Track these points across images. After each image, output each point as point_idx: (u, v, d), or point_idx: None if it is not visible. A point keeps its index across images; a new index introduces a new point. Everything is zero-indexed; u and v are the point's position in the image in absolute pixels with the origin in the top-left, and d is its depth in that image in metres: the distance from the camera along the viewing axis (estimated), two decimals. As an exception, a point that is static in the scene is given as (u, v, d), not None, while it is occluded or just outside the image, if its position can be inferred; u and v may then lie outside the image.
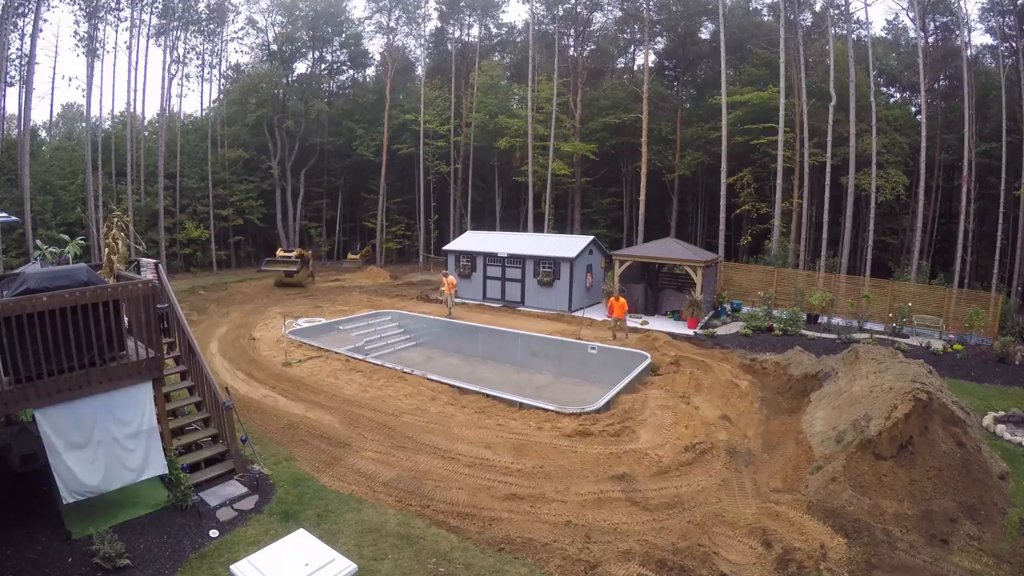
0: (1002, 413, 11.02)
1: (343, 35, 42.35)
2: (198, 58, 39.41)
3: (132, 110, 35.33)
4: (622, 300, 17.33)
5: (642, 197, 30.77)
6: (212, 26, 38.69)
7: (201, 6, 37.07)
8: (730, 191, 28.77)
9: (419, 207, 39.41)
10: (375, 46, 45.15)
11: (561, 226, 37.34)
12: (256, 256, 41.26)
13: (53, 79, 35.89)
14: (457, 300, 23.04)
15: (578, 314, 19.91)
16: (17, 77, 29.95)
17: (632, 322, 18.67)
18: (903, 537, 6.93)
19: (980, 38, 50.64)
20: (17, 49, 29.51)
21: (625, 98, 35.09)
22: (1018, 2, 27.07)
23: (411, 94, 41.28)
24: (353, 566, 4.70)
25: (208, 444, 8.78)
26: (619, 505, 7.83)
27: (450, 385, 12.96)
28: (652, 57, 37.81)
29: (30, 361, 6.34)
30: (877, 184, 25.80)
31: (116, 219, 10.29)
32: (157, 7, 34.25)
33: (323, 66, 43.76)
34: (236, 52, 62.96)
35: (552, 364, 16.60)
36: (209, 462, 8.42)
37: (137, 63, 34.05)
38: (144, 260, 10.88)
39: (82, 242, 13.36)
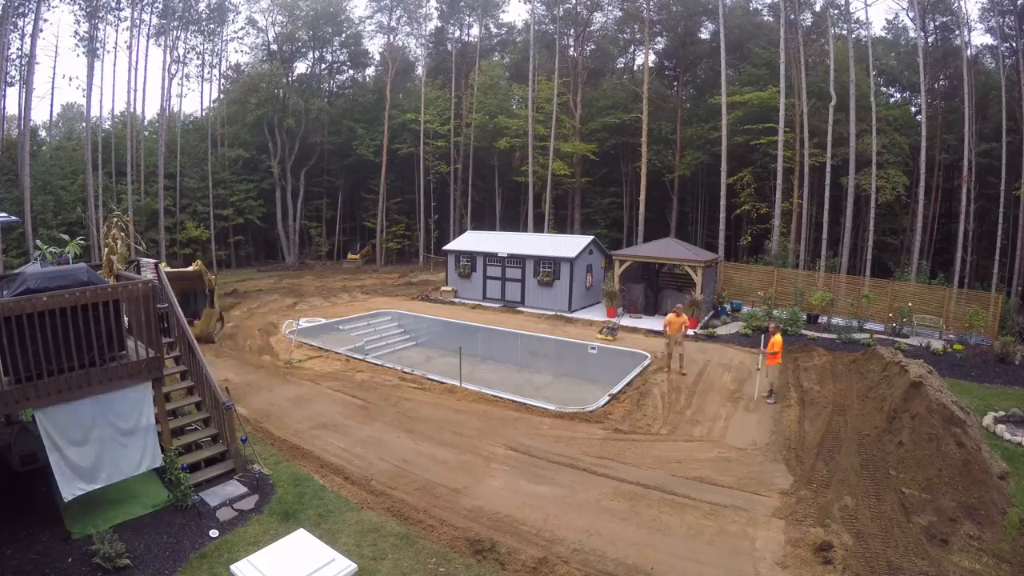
0: (1002, 413, 11.01)
1: (343, 35, 42.38)
2: (198, 58, 39.54)
3: (132, 110, 35.44)
4: (682, 317, 14.24)
5: (642, 197, 30.78)
6: (212, 26, 38.76)
7: (201, 6, 37.17)
8: (730, 191, 28.76)
9: (419, 207, 39.42)
10: (375, 46, 45.26)
11: (561, 226, 37.34)
12: (256, 256, 41.34)
13: (53, 79, 36.03)
14: (457, 300, 23.03)
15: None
16: (17, 77, 30.02)
17: (632, 321, 18.68)
18: (903, 536, 6.94)
19: (980, 38, 50.76)
20: (17, 49, 29.59)
21: (625, 98, 35.08)
22: (1018, 2, 27.07)
23: (411, 94, 41.31)
24: (353, 566, 4.70)
25: (208, 444, 8.77)
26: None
27: (449, 384, 12.98)
28: (652, 57, 37.84)
29: (30, 361, 6.34)
30: (877, 184, 25.80)
31: (116, 219, 10.31)
32: (157, 7, 34.31)
33: (323, 66, 43.81)
34: (236, 52, 63.36)
35: (552, 364, 16.61)
36: (209, 462, 8.41)
37: (137, 63, 34.15)
38: (144, 260, 10.89)
39: (82, 242, 13.38)
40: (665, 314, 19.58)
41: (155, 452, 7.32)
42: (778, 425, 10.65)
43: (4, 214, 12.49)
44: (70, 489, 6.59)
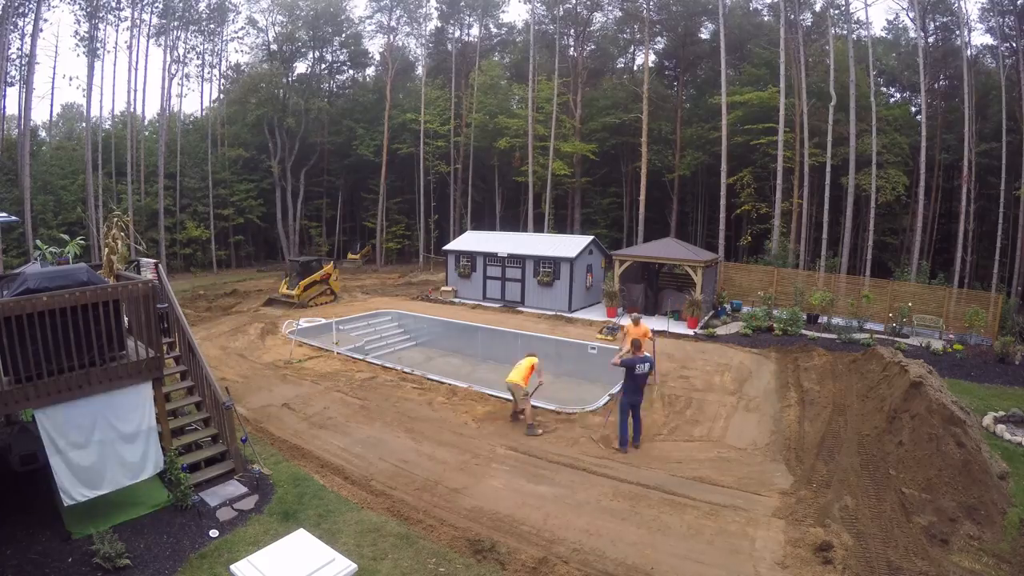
0: (1002, 413, 11.01)
1: (343, 35, 42.39)
2: (198, 58, 39.57)
3: (132, 110, 35.46)
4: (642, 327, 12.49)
5: (642, 197, 30.77)
6: (212, 26, 38.79)
7: (201, 6, 37.20)
8: (730, 191, 28.76)
9: (419, 207, 39.42)
10: (375, 46, 45.28)
11: (561, 226, 37.34)
12: (256, 256, 41.35)
13: (53, 79, 36.04)
14: (457, 300, 23.00)
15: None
16: (17, 77, 30.05)
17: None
18: (903, 536, 6.94)
19: (980, 38, 50.87)
20: (17, 49, 29.62)
21: (625, 98, 35.08)
22: (1018, 2, 27.07)
23: (411, 94, 41.31)
24: (353, 566, 4.70)
25: (208, 444, 8.78)
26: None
27: (450, 384, 13.00)
28: (652, 57, 37.85)
29: (30, 361, 6.34)
30: (877, 184, 25.80)
31: (116, 219, 10.30)
32: (157, 7, 34.33)
33: (323, 66, 43.82)
34: (236, 52, 63.48)
35: (552, 364, 16.59)
36: (209, 462, 8.41)
37: (137, 63, 34.17)
38: (144, 260, 10.89)
39: (82, 242, 13.37)
40: (665, 314, 19.63)
41: (157, 457, 7.30)
42: (778, 425, 10.65)
43: (4, 214, 12.48)
44: (72, 495, 6.56)
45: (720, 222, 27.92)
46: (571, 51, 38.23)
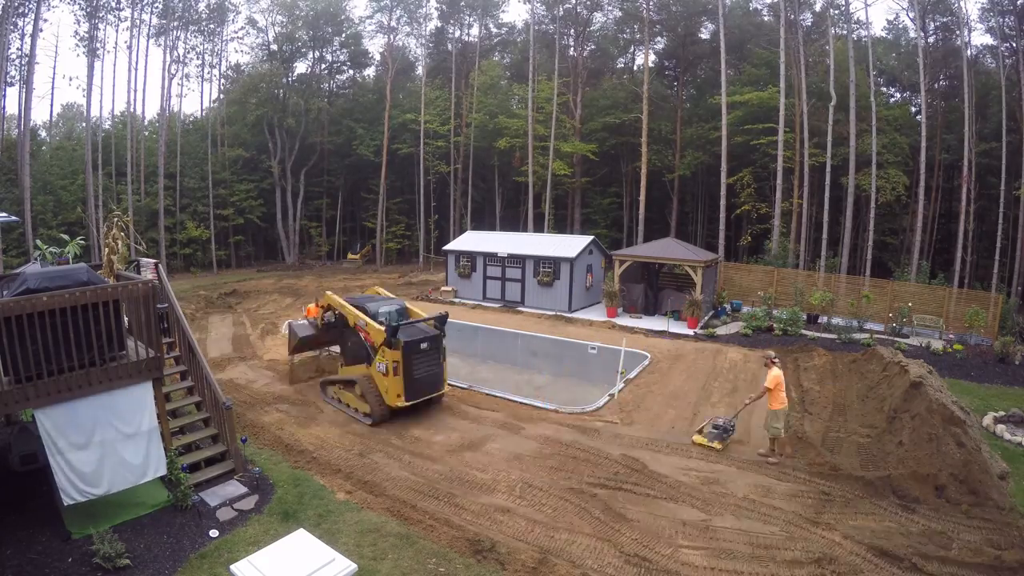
0: (1002, 413, 11.01)
1: (343, 35, 42.35)
2: (198, 58, 39.57)
3: (132, 110, 35.44)
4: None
5: (642, 197, 30.76)
6: (212, 26, 38.78)
7: (201, 6, 37.19)
8: (730, 191, 28.74)
9: (419, 207, 39.41)
10: (375, 46, 45.25)
11: (561, 226, 37.31)
12: (256, 256, 41.34)
13: (53, 79, 36.06)
14: (457, 300, 23.00)
15: None
16: (17, 77, 30.02)
17: (631, 321, 18.67)
18: (903, 537, 6.95)
19: (980, 38, 50.77)
20: (17, 49, 29.59)
21: (625, 98, 35.06)
22: (1018, 2, 27.06)
23: (411, 94, 41.29)
24: (353, 566, 4.70)
25: (208, 444, 8.78)
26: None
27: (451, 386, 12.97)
28: (652, 57, 37.82)
29: (30, 361, 6.34)
30: (877, 184, 25.79)
31: (116, 219, 10.30)
32: (157, 7, 34.32)
33: (323, 66, 43.79)
34: (236, 52, 63.32)
35: (552, 364, 16.60)
36: (209, 462, 8.42)
37: (137, 63, 34.16)
38: (144, 260, 10.89)
39: (82, 242, 13.38)
40: (665, 314, 19.59)
41: (159, 459, 7.27)
42: (778, 425, 10.62)
43: (4, 214, 12.50)
44: (72, 494, 6.55)
45: (720, 222, 27.90)
46: (571, 51, 38.21)
